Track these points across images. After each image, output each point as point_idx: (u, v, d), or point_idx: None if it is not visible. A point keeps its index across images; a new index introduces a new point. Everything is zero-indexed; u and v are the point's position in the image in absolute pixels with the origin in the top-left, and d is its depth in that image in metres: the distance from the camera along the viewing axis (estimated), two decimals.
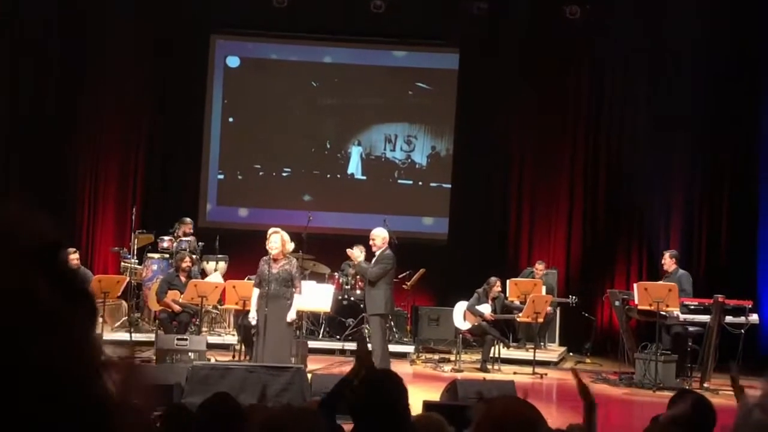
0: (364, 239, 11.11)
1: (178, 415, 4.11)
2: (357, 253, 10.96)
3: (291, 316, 9.79)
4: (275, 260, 9.66)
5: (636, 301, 11.65)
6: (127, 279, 12.55)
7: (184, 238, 13.43)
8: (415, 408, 5.68)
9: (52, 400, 0.79)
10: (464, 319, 12.44)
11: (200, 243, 13.55)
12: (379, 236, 10.61)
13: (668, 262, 12.36)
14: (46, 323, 0.81)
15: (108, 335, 12.16)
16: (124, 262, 13.66)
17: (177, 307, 11.69)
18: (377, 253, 10.54)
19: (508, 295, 13.05)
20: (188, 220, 13.86)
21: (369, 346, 10.82)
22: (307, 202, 15.11)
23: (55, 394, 0.80)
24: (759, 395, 1.20)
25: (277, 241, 9.64)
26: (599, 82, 15.19)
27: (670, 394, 10.36)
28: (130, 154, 15.52)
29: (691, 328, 11.66)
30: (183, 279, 11.95)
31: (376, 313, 10.42)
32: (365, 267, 10.64)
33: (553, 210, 15.45)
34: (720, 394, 10.57)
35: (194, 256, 12.76)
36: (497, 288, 12.61)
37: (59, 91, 14.99)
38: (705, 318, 11.54)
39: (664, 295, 11.33)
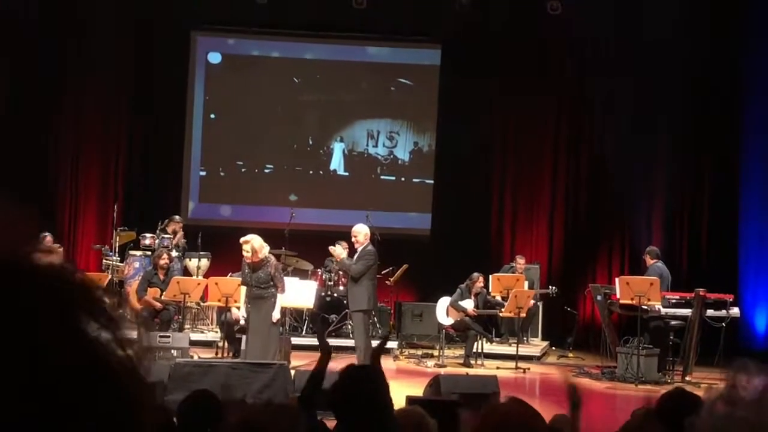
0: (346, 235, 11.11)
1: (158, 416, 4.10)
2: (339, 250, 10.96)
3: (276, 315, 9.89)
4: (253, 264, 9.76)
5: (618, 296, 11.70)
6: (109, 276, 12.49)
7: (165, 236, 13.39)
8: (398, 403, 5.68)
9: None
10: (447, 314, 12.46)
11: (166, 236, 13.45)
12: (361, 232, 10.62)
13: (646, 259, 12.45)
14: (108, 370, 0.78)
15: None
16: (106, 259, 13.61)
17: (158, 305, 11.66)
18: (359, 249, 10.56)
19: (490, 290, 13.08)
20: (177, 218, 13.85)
21: (353, 341, 10.87)
22: (290, 198, 15.06)
23: None
24: (723, 387, 1.21)
25: (248, 249, 9.81)
26: (581, 78, 15.22)
27: (652, 387, 10.50)
28: (111, 151, 15.45)
29: (672, 322, 11.71)
30: (161, 276, 11.92)
31: (359, 309, 10.44)
32: (348, 263, 10.66)
33: (536, 205, 15.49)
34: (701, 387, 10.64)
35: (173, 254, 12.72)
36: (480, 283, 12.63)
37: (39, 87, 14.89)
38: (686, 312, 11.61)
39: (645, 289, 11.38)
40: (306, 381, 4.15)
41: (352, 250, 10.95)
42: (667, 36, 14.55)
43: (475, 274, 12.62)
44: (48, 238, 12.23)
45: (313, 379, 4.13)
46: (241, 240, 9.95)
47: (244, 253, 9.83)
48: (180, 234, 13.66)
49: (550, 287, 13.77)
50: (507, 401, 2.65)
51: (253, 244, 9.81)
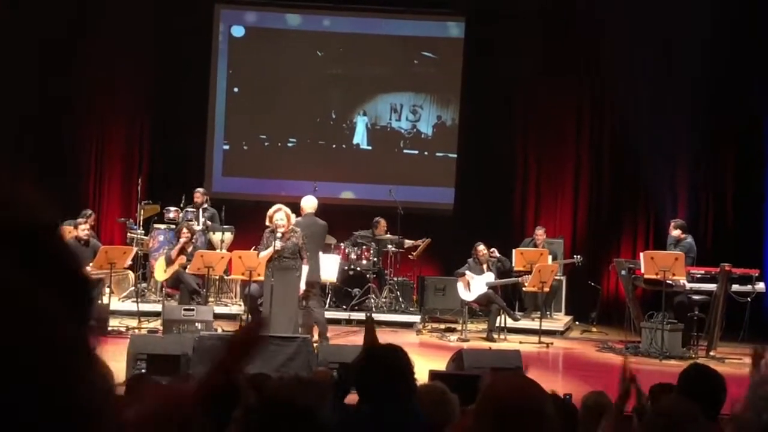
0: (368, 209, 11.10)
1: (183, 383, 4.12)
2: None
3: (302, 286, 9.87)
4: (282, 235, 9.71)
5: (642, 270, 11.64)
6: (134, 250, 12.56)
7: (189, 209, 13.46)
8: (421, 377, 5.69)
9: (39, 410, 0.69)
10: (467, 288, 12.41)
11: (189, 210, 13.50)
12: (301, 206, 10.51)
13: (677, 234, 12.34)
14: (27, 322, 0.69)
15: (115, 305, 12.23)
16: (131, 233, 13.69)
17: (183, 260, 11.86)
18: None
19: (513, 264, 13.04)
20: (201, 189, 13.90)
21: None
22: (312, 171, 14.99)
23: (41, 404, 0.69)
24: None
25: (283, 217, 9.74)
26: (605, 49, 15.07)
27: (676, 362, 10.45)
28: (136, 125, 15.51)
29: (697, 297, 11.65)
30: (188, 249, 12.04)
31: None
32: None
33: (559, 179, 15.41)
34: (726, 362, 10.59)
35: (196, 227, 12.81)
36: (482, 252, 12.51)
37: (62, 63, 14.92)
38: (711, 286, 11.53)
39: (670, 263, 11.32)
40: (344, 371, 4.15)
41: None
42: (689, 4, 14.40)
43: (477, 245, 12.55)
44: (83, 227, 12.21)
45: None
46: (274, 208, 9.87)
47: (279, 221, 9.71)
48: (205, 205, 13.70)
49: (576, 256, 13.72)
50: (506, 376, 2.61)
51: (286, 211, 9.81)
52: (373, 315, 12.49)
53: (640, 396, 3.28)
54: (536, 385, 2.36)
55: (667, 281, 11.36)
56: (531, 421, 2.22)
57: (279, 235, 9.69)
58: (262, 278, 10.25)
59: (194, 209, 13.54)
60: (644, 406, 4.17)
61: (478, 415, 2.30)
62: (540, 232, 13.96)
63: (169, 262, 12.01)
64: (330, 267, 12.28)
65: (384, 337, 10.73)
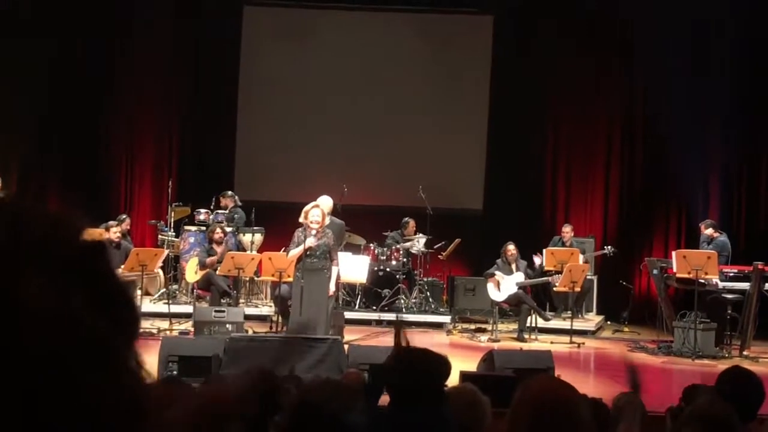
0: (397, 210, 11.08)
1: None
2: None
3: (332, 288, 9.87)
4: (315, 233, 9.68)
5: (674, 269, 11.56)
6: (165, 252, 12.63)
7: (220, 211, 13.54)
8: (452, 379, 5.67)
9: None
10: (497, 288, 12.37)
11: (236, 216, 13.64)
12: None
13: (709, 232, 12.24)
14: (92, 350, 0.69)
15: (147, 307, 12.31)
16: (162, 235, 13.78)
17: (214, 260, 11.93)
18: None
19: (544, 264, 12.98)
20: (230, 193, 13.98)
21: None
22: (341, 173, 14.98)
23: None
24: None
25: (318, 215, 9.70)
26: (635, 45, 14.98)
27: (709, 362, 10.36)
28: (165, 127, 15.60)
29: (730, 296, 11.54)
30: (218, 250, 12.11)
31: None
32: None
33: (590, 178, 15.33)
34: (760, 362, 10.49)
35: (227, 228, 12.87)
36: (511, 252, 12.46)
37: (92, 66, 15.06)
38: (744, 285, 11.42)
39: (703, 262, 11.22)
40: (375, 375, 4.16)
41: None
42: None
43: (507, 244, 12.49)
44: (115, 229, 12.38)
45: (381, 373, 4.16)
46: (311, 204, 9.84)
47: (313, 218, 9.67)
48: (230, 210, 13.76)
49: (607, 247, 13.65)
50: (541, 378, 2.60)
51: (323, 209, 9.79)
52: (403, 315, 12.60)
53: (636, 387, 3.24)
54: (571, 388, 2.36)
55: (700, 280, 11.26)
56: (566, 425, 2.21)
57: (313, 232, 9.68)
58: (291, 279, 10.25)
59: (224, 211, 13.61)
60: (680, 407, 4.13)
61: (513, 418, 2.29)
62: (567, 230, 13.89)
63: (203, 267, 12.06)
64: (360, 268, 12.28)
65: (414, 337, 10.72)
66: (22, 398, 0.66)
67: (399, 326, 4.58)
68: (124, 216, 12.95)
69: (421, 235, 13.63)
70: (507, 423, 2.31)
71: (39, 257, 0.69)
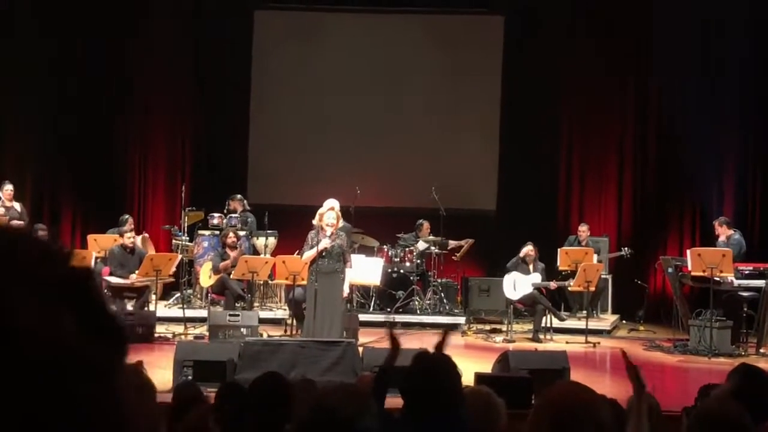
0: (410, 212, 11.07)
1: (232, 394, 4.14)
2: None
3: (346, 290, 9.88)
4: (329, 235, 9.68)
5: (689, 268, 11.51)
6: (179, 256, 12.67)
7: (233, 215, 13.56)
8: (467, 380, 5.66)
9: None
10: (513, 288, 12.34)
11: (249, 219, 13.65)
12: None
13: (722, 229, 12.19)
14: (84, 369, 0.72)
15: (161, 312, 12.33)
16: (176, 239, 13.81)
17: (229, 264, 11.92)
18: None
19: (558, 264, 12.95)
20: (238, 196, 13.99)
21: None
22: (354, 175, 14.96)
23: None
24: None
25: (333, 217, 9.71)
26: (647, 42, 14.93)
27: (725, 360, 10.31)
28: (178, 132, 15.64)
29: (745, 294, 11.48)
30: (232, 254, 12.12)
31: None
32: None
33: (603, 177, 15.28)
34: None
35: (240, 232, 12.88)
36: (530, 253, 12.44)
37: (105, 71, 15.11)
38: (760, 283, 11.37)
39: (717, 260, 11.18)
40: (377, 376, 4.16)
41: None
42: None
43: (527, 244, 12.46)
44: (130, 220, 12.64)
45: (383, 373, 4.15)
46: (326, 206, 9.80)
47: (328, 221, 9.67)
48: (241, 213, 13.77)
49: (623, 249, 13.61)
50: (561, 383, 2.60)
51: (337, 211, 9.79)
52: (419, 317, 12.62)
53: (639, 387, 3.19)
54: (592, 392, 2.35)
55: (715, 278, 11.21)
56: (587, 428, 2.21)
57: (328, 232, 9.68)
58: (305, 282, 10.24)
59: (236, 215, 13.62)
60: (695, 407, 4.11)
61: (533, 422, 2.29)
62: (584, 229, 13.86)
63: (217, 271, 12.07)
64: (373, 270, 12.28)
65: (430, 339, 10.71)
66: (20, 415, 0.68)
67: (390, 327, 4.58)
68: (126, 216, 12.98)
69: (432, 238, 13.61)
70: (527, 427, 2.31)
71: (31, 281, 0.72)
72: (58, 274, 0.74)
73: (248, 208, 13.98)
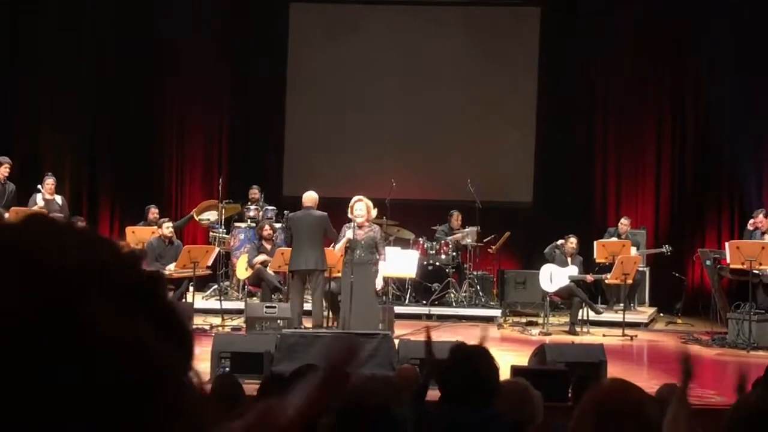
0: (446, 204, 11.06)
1: (275, 384, 4.18)
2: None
3: (379, 283, 9.90)
4: (360, 227, 9.74)
5: (728, 260, 11.40)
6: (216, 249, 12.75)
7: (269, 208, 13.61)
8: (503, 373, 5.65)
9: None
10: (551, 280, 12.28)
11: (269, 208, 13.61)
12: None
13: (760, 219, 12.05)
14: (157, 372, 0.72)
15: (199, 304, 12.43)
16: (213, 232, 13.90)
17: (267, 257, 12.00)
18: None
19: (595, 256, 12.88)
20: (256, 187, 14.07)
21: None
22: (390, 168, 14.96)
23: None
24: None
25: (362, 208, 9.75)
26: (686, 33, 14.78)
27: (764, 354, 10.20)
28: (215, 125, 15.74)
29: None
30: (268, 246, 12.18)
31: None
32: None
33: (640, 169, 15.17)
34: None
35: (276, 225, 12.92)
36: (571, 245, 12.37)
37: (142, 67, 15.24)
38: None
39: (756, 253, 11.06)
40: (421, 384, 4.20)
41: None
42: None
43: (568, 237, 12.40)
44: (153, 210, 12.97)
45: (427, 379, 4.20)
46: (354, 199, 9.88)
47: (357, 214, 9.76)
48: (257, 204, 13.86)
49: (665, 246, 13.51)
50: (608, 380, 2.60)
51: (367, 203, 9.81)
52: (455, 309, 12.63)
53: (687, 374, 3.16)
54: (638, 388, 2.35)
55: (754, 271, 11.10)
56: (632, 424, 2.21)
57: (359, 220, 9.72)
58: (341, 275, 10.29)
59: (256, 207, 13.66)
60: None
61: (579, 417, 2.29)
62: (625, 223, 13.73)
63: (252, 266, 12.14)
64: (409, 262, 12.29)
65: (465, 331, 10.70)
66: (95, 419, 0.69)
67: (427, 327, 4.64)
68: (152, 206, 13.32)
69: (467, 229, 13.56)
70: (572, 424, 2.31)
71: (103, 282, 0.72)
72: (131, 278, 0.74)
73: (262, 199, 14.06)
